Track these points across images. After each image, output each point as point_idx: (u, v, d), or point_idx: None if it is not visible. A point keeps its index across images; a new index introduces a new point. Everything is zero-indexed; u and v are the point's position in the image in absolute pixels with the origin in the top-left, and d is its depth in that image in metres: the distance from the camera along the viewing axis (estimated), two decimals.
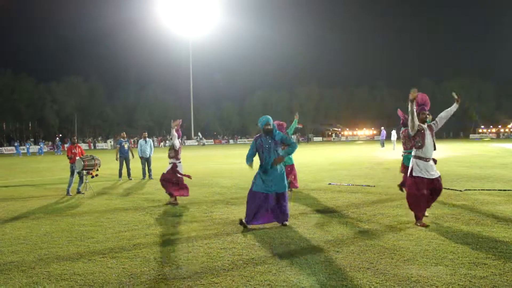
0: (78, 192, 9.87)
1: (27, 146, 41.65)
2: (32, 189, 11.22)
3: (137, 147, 13.81)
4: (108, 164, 17.10)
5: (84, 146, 50.08)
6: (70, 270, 4.15)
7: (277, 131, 5.97)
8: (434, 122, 5.88)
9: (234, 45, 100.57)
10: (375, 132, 78.26)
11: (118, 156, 13.29)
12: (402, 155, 8.71)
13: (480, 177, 10.92)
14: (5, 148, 51.39)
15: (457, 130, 75.57)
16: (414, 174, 5.67)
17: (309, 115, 78.73)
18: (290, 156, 8.86)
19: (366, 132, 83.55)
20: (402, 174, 7.98)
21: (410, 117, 5.60)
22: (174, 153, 8.15)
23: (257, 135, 6.12)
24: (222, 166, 17.58)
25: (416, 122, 5.63)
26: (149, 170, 13.19)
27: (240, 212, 6.95)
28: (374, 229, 5.49)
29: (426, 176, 5.59)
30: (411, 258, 4.24)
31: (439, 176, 5.71)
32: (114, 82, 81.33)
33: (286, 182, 5.93)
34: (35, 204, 8.50)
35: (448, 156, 19.74)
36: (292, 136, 9.91)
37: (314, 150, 33.41)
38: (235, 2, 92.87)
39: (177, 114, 66.24)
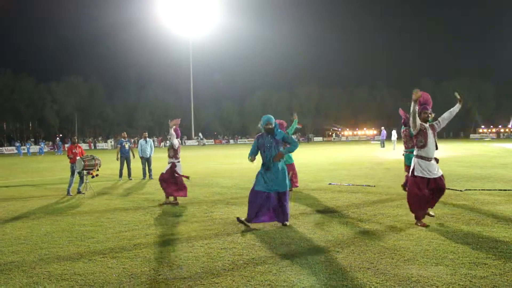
0: (79, 192, 9.87)
1: (28, 146, 41.65)
2: (33, 189, 11.23)
3: (137, 147, 13.80)
4: (108, 164, 17.11)
5: (84, 146, 50.09)
6: (71, 270, 4.15)
7: (279, 130, 5.99)
8: (436, 122, 5.87)
9: (234, 45, 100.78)
10: (375, 132, 78.25)
11: (119, 156, 13.29)
12: (404, 154, 8.72)
13: (480, 177, 10.92)
14: (6, 148, 51.37)
15: (457, 130, 75.58)
16: (415, 173, 5.66)
17: (309, 115, 78.74)
18: (290, 155, 8.89)
19: (367, 132, 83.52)
20: (405, 174, 7.98)
21: (412, 117, 5.60)
22: (173, 152, 8.16)
23: (259, 134, 6.14)
24: (222, 166, 17.59)
25: (418, 122, 5.63)
26: (150, 170, 13.20)
27: (241, 212, 6.95)
28: (374, 229, 5.49)
29: (427, 176, 5.58)
30: (411, 258, 4.24)
31: (442, 175, 5.69)
32: (114, 82, 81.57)
33: (287, 181, 5.93)
34: (35, 204, 8.50)
35: (448, 156, 19.74)
36: (293, 136, 9.93)
37: (314, 150, 33.41)
38: (235, 2, 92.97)
39: (177, 114, 66.18)
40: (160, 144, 54.80)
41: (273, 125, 5.94)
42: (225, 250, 4.71)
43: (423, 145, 5.64)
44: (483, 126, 79.58)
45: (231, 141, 71.49)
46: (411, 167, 5.79)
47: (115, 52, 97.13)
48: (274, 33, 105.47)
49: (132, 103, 72.97)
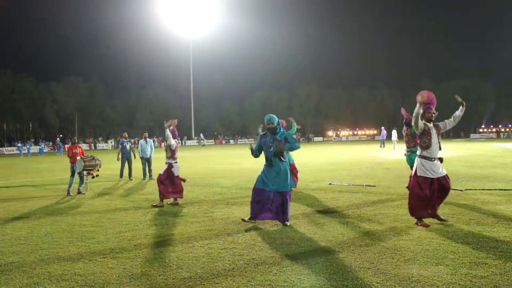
0: (79, 192, 9.87)
1: (28, 147, 41.67)
2: (33, 190, 11.23)
3: (138, 147, 13.80)
4: (108, 164, 17.11)
5: (84, 146, 50.07)
6: (71, 270, 4.15)
7: (281, 130, 6.02)
8: (442, 123, 5.82)
9: (234, 45, 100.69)
10: (375, 132, 78.24)
11: (120, 156, 13.30)
12: (405, 154, 8.72)
13: (480, 176, 10.92)
14: (6, 148, 51.36)
15: (457, 130, 75.54)
16: (418, 173, 5.63)
17: (309, 115, 78.73)
18: (291, 155, 8.90)
19: (367, 131, 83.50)
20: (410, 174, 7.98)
21: (414, 119, 5.57)
22: (170, 153, 8.16)
23: (263, 133, 6.20)
24: (223, 166, 17.59)
25: (421, 123, 5.59)
26: (150, 171, 13.20)
27: (241, 212, 6.96)
28: (374, 229, 5.49)
29: (430, 176, 5.55)
30: (412, 258, 4.24)
31: (446, 175, 5.65)
32: (114, 82, 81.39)
33: (289, 182, 5.94)
34: (35, 204, 8.50)
35: (449, 156, 19.73)
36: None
37: (314, 150, 33.41)
38: (235, 2, 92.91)
39: (177, 114, 66.29)
40: (160, 144, 54.73)
41: (275, 124, 5.97)
42: (225, 250, 4.71)
43: (428, 146, 5.60)
44: (483, 126, 79.59)
45: (231, 141, 71.48)
46: (414, 167, 5.77)
47: (115, 52, 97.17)
48: (274, 33, 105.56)
49: (132, 103, 72.96)
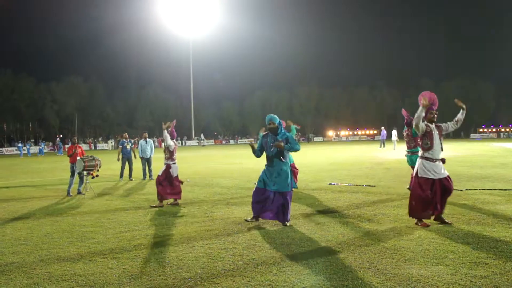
0: (79, 192, 9.87)
1: (28, 147, 41.67)
2: (33, 190, 11.23)
3: (138, 147, 13.81)
4: (108, 164, 17.11)
5: (84, 146, 50.03)
6: (71, 270, 4.15)
7: (283, 131, 6.02)
8: (445, 124, 5.81)
9: (234, 45, 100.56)
10: (375, 132, 78.24)
11: (120, 156, 13.30)
12: (406, 155, 8.72)
13: (480, 176, 10.92)
14: (6, 149, 51.35)
15: (457, 130, 75.33)
16: (419, 174, 5.62)
17: (309, 115, 78.71)
18: (290, 155, 8.91)
19: (367, 131, 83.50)
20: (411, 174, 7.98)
21: (416, 122, 5.55)
22: (169, 154, 8.16)
23: (264, 133, 6.21)
24: (223, 166, 17.59)
25: (422, 126, 5.58)
26: (150, 171, 13.20)
27: (241, 212, 6.96)
28: (374, 229, 5.49)
29: (432, 177, 5.54)
30: (412, 258, 4.24)
31: (448, 176, 5.63)
32: (114, 82, 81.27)
33: (289, 182, 5.94)
34: (35, 204, 8.50)
35: (449, 156, 19.73)
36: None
37: (314, 150, 33.41)
38: (235, 2, 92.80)
39: (177, 114, 66.30)
40: (160, 144, 54.74)
41: (276, 124, 5.97)
42: (225, 250, 4.71)
43: (429, 147, 5.58)
44: (483, 126, 79.57)
45: (231, 141, 71.47)
46: (415, 168, 5.76)
47: (115, 52, 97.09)
48: (274, 33, 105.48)
49: (132, 103, 72.94)
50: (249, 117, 77.47)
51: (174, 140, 8.32)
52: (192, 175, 13.41)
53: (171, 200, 8.09)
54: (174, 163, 8.20)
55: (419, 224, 5.59)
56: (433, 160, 5.57)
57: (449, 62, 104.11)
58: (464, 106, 5.80)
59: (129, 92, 74.12)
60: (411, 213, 5.70)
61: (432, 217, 5.68)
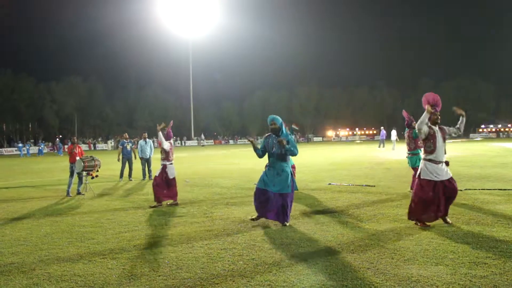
0: (78, 193, 9.87)
1: (27, 147, 41.66)
2: (32, 190, 11.22)
3: (137, 147, 13.81)
4: (108, 165, 17.10)
5: (84, 147, 50.01)
6: (71, 271, 4.15)
7: (285, 131, 6.01)
8: (449, 128, 5.78)
9: (234, 45, 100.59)
10: (375, 132, 78.23)
11: (120, 157, 13.30)
12: (407, 157, 8.72)
13: (480, 176, 10.92)
14: (5, 149, 51.33)
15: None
16: (422, 176, 5.60)
17: (309, 115, 78.70)
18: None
19: (367, 131, 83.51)
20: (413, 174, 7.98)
21: (419, 126, 5.54)
22: (165, 154, 8.17)
23: (267, 134, 6.22)
24: (222, 167, 17.59)
25: (425, 129, 5.56)
26: (149, 171, 13.19)
27: (241, 212, 6.96)
28: (374, 229, 5.49)
29: (434, 179, 5.52)
30: (411, 258, 4.24)
31: (451, 178, 5.59)
32: (114, 82, 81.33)
33: (289, 183, 5.93)
34: (35, 205, 8.50)
35: (449, 156, 19.71)
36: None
37: (314, 150, 33.41)
38: (235, 2, 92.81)
39: (177, 114, 66.30)
40: (160, 144, 54.74)
41: (278, 125, 5.97)
42: (225, 250, 4.71)
43: (432, 150, 5.56)
44: (483, 126, 79.57)
45: (231, 141, 71.45)
46: (418, 170, 5.74)
47: (115, 52, 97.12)
48: (274, 33, 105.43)
49: (131, 103, 72.89)
50: (249, 117, 77.44)
51: (171, 141, 8.32)
52: (191, 175, 13.41)
53: (170, 201, 8.09)
54: (171, 164, 8.20)
55: (419, 224, 5.58)
56: (436, 162, 5.56)
57: (449, 62, 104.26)
58: (463, 113, 5.80)
59: (128, 92, 74.09)
60: (410, 214, 5.68)
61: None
